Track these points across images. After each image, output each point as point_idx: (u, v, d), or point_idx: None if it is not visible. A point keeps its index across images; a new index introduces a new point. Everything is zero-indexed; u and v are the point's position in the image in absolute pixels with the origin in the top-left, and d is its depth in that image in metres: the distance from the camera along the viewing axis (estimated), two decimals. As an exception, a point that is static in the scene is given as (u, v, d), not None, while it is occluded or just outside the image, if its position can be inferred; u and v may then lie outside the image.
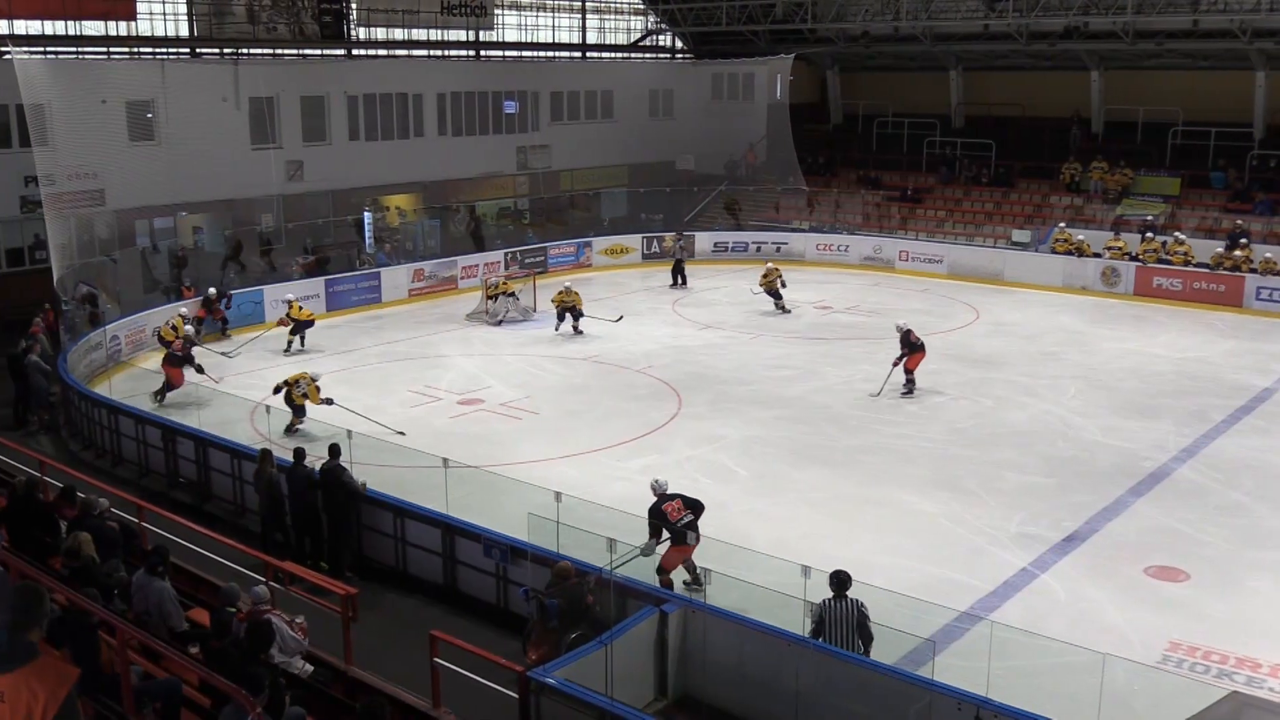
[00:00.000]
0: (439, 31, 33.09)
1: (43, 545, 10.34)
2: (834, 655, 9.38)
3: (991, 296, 28.74)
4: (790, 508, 14.72)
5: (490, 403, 19.37)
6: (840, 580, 9.80)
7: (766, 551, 11.69)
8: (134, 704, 7.13)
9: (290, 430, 17.37)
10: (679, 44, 41.59)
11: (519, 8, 36.18)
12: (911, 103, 38.14)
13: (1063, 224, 30.82)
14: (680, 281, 30.25)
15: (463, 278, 29.50)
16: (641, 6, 40.01)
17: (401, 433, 17.36)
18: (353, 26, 31.24)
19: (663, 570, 11.75)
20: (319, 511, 13.09)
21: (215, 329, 23.66)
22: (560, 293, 24.21)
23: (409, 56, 32.62)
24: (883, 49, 37.23)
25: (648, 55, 41.43)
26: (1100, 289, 28.90)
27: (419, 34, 32.71)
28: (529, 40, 36.75)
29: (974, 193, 34.84)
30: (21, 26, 24.81)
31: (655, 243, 33.57)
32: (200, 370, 19.59)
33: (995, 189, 34.70)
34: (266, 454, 13.49)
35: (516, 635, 10.95)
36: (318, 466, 13.12)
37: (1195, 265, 27.99)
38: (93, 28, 26.06)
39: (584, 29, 38.35)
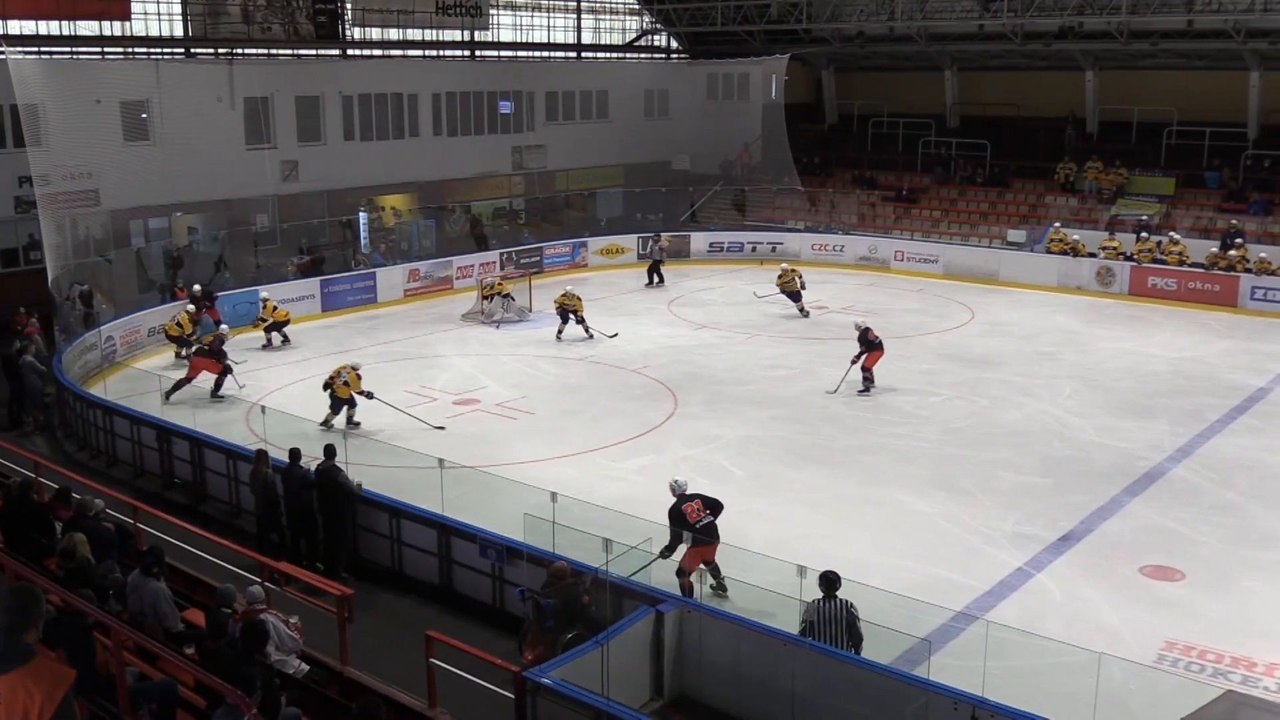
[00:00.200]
0: (434, 31, 33.06)
1: (38, 546, 10.33)
2: (830, 655, 9.39)
3: (987, 296, 28.77)
4: (787, 508, 14.73)
5: (486, 403, 19.36)
6: (829, 581, 9.80)
7: (763, 552, 11.71)
8: (129, 705, 7.11)
9: (327, 424, 17.60)
10: (674, 44, 41.59)
11: (514, 8, 36.17)
12: (906, 103, 38.18)
13: (1058, 224, 30.86)
14: (657, 280, 30.27)
15: (458, 278, 29.48)
16: (636, 6, 40.01)
17: (441, 427, 17.65)
18: (348, 26, 31.18)
19: (682, 572, 11.64)
20: (314, 512, 13.05)
21: (210, 329, 23.57)
22: (562, 295, 23.98)
23: (404, 56, 32.57)
24: (878, 49, 37.24)
25: (643, 55, 41.43)
26: (1095, 289, 28.95)
27: (414, 34, 32.67)
28: (524, 40, 36.73)
29: (969, 193, 34.88)
30: (16, 26, 24.74)
31: (651, 243, 33.54)
32: (229, 370, 19.80)
33: (990, 189, 34.74)
34: (262, 454, 13.47)
35: (512, 635, 10.96)
36: (313, 467, 13.10)
37: (1190, 265, 28.04)
38: (87, 27, 26.01)
39: (579, 29, 38.34)
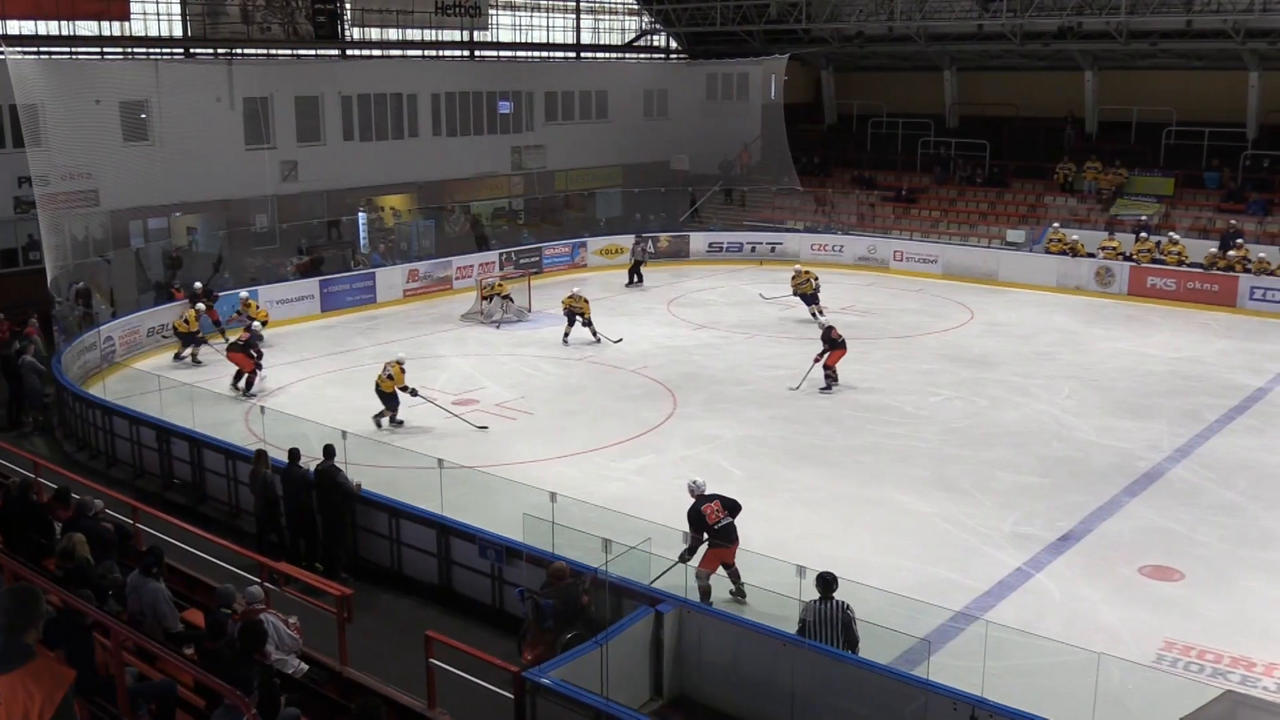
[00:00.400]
0: (433, 32, 33.06)
1: (37, 547, 10.33)
2: (829, 655, 9.39)
3: (986, 296, 28.78)
4: (786, 508, 14.73)
5: (485, 403, 19.35)
6: (826, 582, 9.80)
7: (762, 552, 11.69)
8: (129, 705, 7.11)
9: (379, 422, 17.69)
10: (673, 44, 41.59)
11: (513, 8, 36.17)
12: (906, 103, 38.20)
13: (1057, 224, 30.86)
14: (637, 280, 30.25)
15: (457, 278, 29.48)
16: (636, 7, 40.01)
17: (484, 427, 17.77)
18: (347, 26, 31.18)
19: (701, 575, 11.56)
20: (314, 512, 13.06)
21: (209, 329, 23.56)
22: (569, 297, 23.69)
23: (403, 57, 32.57)
24: (877, 49, 37.26)
25: (642, 55, 41.43)
26: (1094, 289, 28.96)
27: (413, 34, 32.67)
28: (523, 40, 36.73)
29: (968, 193, 34.89)
30: (15, 26, 24.74)
31: (651, 243, 33.58)
32: (259, 366, 20.05)
33: (990, 189, 34.75)
34: (261, 455, 13.47)
35: (512, 636, 10.97)
36: (312, 467, 13.10)
37: (1189, 265, 28.05)
38: (86, 28, 25.99)
39: (578, 29, 38.34)
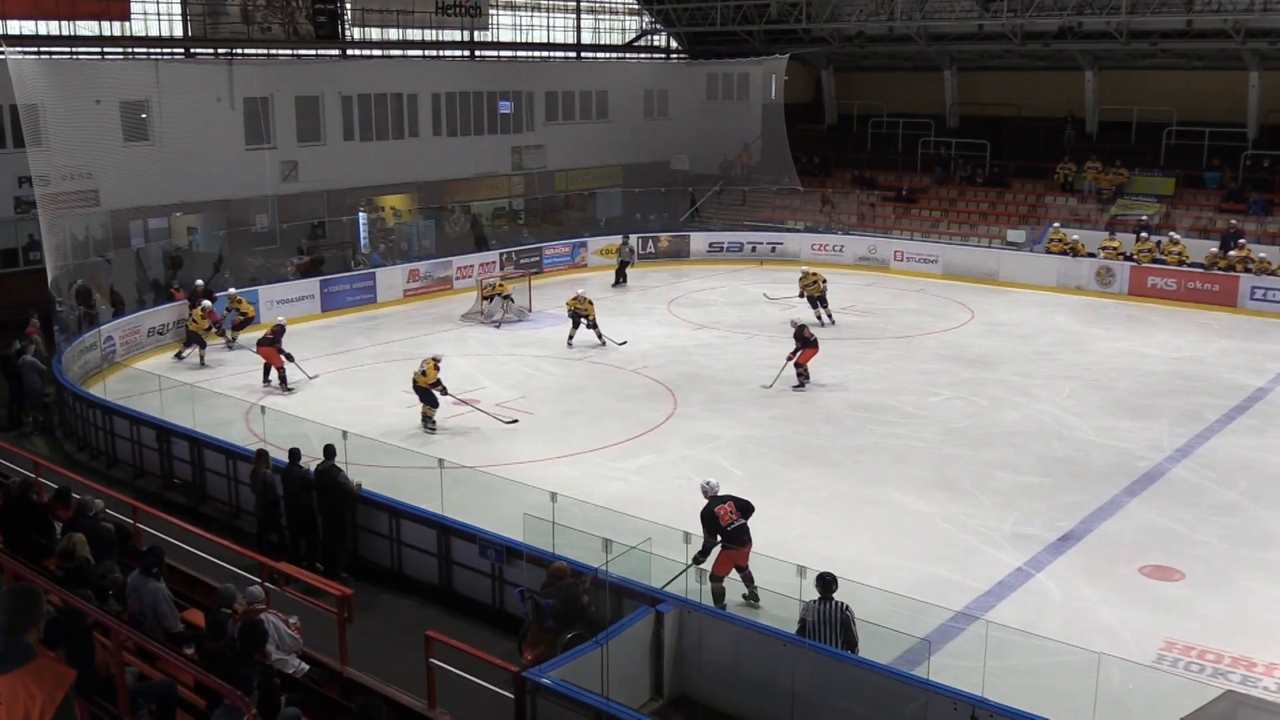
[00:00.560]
0: (434, 32, 33.06)
1: (37, 546, 10.33)
2: (829, 655, 9.39)
3: (986, 296, 28.78)
4: (786, 508, 14.71)
5: (485, 403, 19.34)
6: (825, 582, 9.79)
7: (762, 552, 11.69)
8: (129, 705, 7.11)
9: (427, 425, 17.68)
10: (674, 44, 41.60)
11: (514, 8, 36.18)
12: (906, 103, 38.20)
13: (1057, 224, 30.85)
14: (621, 280, 30.17)
15: (458, 278, 29.48)
16: (636, 6, 40.02)
17: (514, 421, 17.91)
18: (347, 26, 31.19)
19: (716, 578, 11.48)
20: (314, 512, 13.06)
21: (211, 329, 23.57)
22: (574, 299, 23.46)
23: (404, 57, 32.58)
24: (877, 49, 37.27)
25: (642, 55, 41.44)
26: (1095, 289, 28.95)
27: (414, 34, 32.68)
28: (524, 40, 36.74)
29: (969, 193, 34.89)
30: (16, 26, 24.75)
31: (651, 242, 33.63)
32: (290, 358, 20.30)
33: (990, 189, 34.75)
34: (262, 454, 13.47)
35: (512, 636, 10.97)
36: (313, 467, 13.10)
37: (1190, 265, 28.05)
38: (87, 28, 26.00)
39: (579, 29, 38.35)
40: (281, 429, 15.83)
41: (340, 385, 20.65)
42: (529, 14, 36.73)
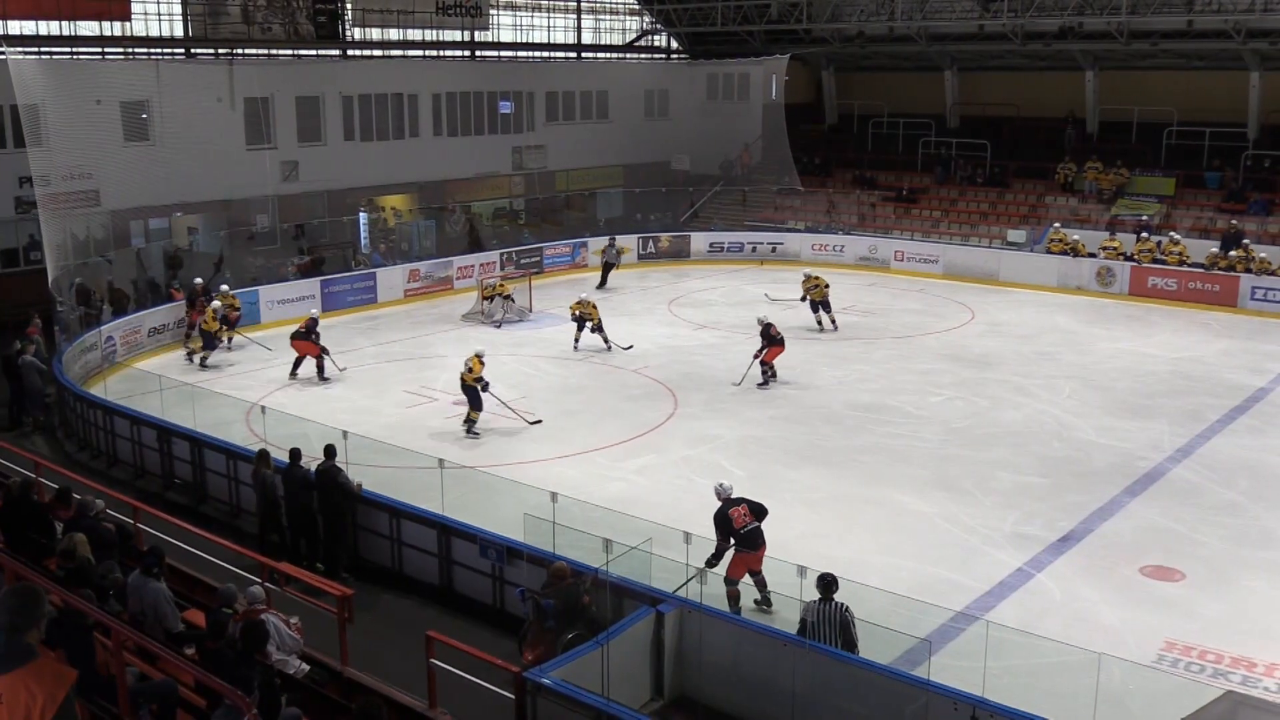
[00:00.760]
0: (434, 32, 33.07)
1: (38, 546, 10.33)
2: (830, 655, 9.39)
3: (987, 296, 28.78)
4: (786, 508, 14.69)
5: (486, 403, 19.32)
6: (826, 583, 9.78)
7: (763, 552, 11.69)
8: (130, 705, 7.11)
9: (470, 426, 17.62)
10: (674, 44, 41.60)
11: (514, 8, 36.19)
12: (907, 103, 38.19)
13: (1058, 224, 30.86)
14: (602, 282, 29.88)
15: (458, 278, 29.48)
16: (636, 7, 40.02)
17: (538, 420, 17.98)
18: (348, 27, 31.19)
19: (730, 581, 11.43)
20: (315, 512, 13.07)
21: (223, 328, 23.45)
22: (577, 303, 23.20)
23: (404, 57, 32.59)
24: (878, 49, 37.27)
25: (643, 55, 41.44)
26: (1095, 289, 28.95)
27: (414, 34, 32.68)
28: (524, 40, 36.75)
29: (969, 193, 34.89)
30: (16, 26, 24.76)
31: (651, 243, 33.64)
32: (326, 350, 20.78)
33: (990, 189, 34.75)
34: (263, 455, 13.48)
35: (512, 636, 10.97)
36: (313, 467, 13.10)
37: (1190, 265, 28.05)
38: (87, 28, 26.01)
39: (579, 29, 38.35)
40: (282, 429, 15.84)
41: (341, 385, 20.65)
42: (529, 14, 36.74)
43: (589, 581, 10.51)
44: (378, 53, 32.36)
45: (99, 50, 26.53)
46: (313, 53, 30.76)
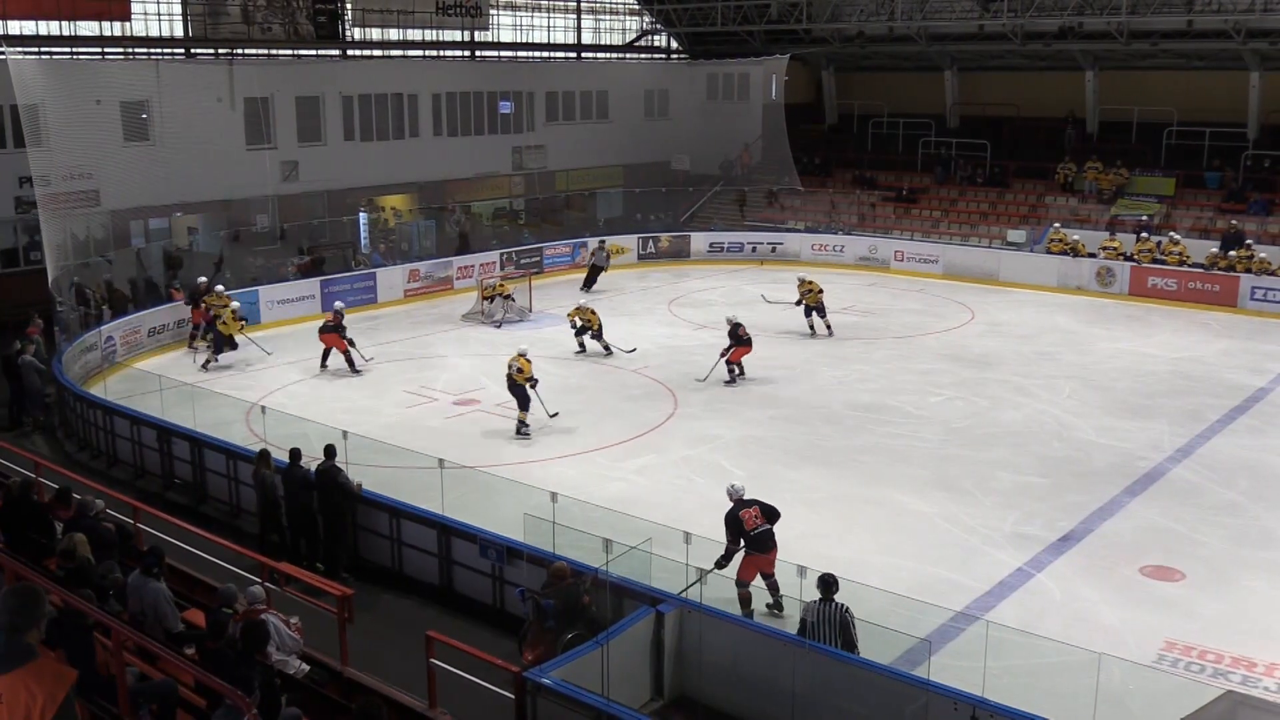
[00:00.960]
0: (434, 32, 33.07)
1: (38, 546, 10.32)
2: (830, 656, 9.39)
3: (987, 296, 28.78)
4: (786, 508, 14.53)
5: (486, 403, 19.35)
6: (826, 584, 9.78)
7: (763, 552, 11.68)
8: (130, 705, 7.11)
9: (521, 429, 17.53)
10: (674, 44, 41.61)
11: (514, 8, 36.19)
12: (907, 103, 38.19)
13: (1058, 224, 30.86)
14: (588, 285, 29.57)
15: (458, 278, 29.48)
16: (636, 7, 40.03)
17: (555, 414, 17.97)
18: (348, 27, 31.20)
19: (741, 583, 11.38)
20: (315, 512, 13.07)
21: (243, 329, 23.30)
22: (575, 310, 22.97)
23: (404, 57, 32.59)
24: (878, 49, 37.27)
25: (643, 55, 41.44)
26: (1095, 289, 28.95)
27: (414, 34, 32.69)
28: (524, 40, 36.76)
29: (969, 193, 34.89)
30: (16, 26, 24.76)
31: (651, 243, 33.65)
32: (353, 342, 21.17)
33: (990, 189, 34.75)
34: (264, 455, 13.48)
35: (513, 636, 10.97)
36: (313, 467, 13.10)
37: (1190, 265, 28.05)
38: (87, 28, 26.01)
39: (579, 29, 38.35)
40: (282, 429, 15.84)
41: (341, 385, 20.65)
42: (529, 14, 36.74)
43: (589, 581, 10.51)
44: (378, 53, 32.37)
45: (99, 50, 26.53)
46: (313, 53, 30.76)
